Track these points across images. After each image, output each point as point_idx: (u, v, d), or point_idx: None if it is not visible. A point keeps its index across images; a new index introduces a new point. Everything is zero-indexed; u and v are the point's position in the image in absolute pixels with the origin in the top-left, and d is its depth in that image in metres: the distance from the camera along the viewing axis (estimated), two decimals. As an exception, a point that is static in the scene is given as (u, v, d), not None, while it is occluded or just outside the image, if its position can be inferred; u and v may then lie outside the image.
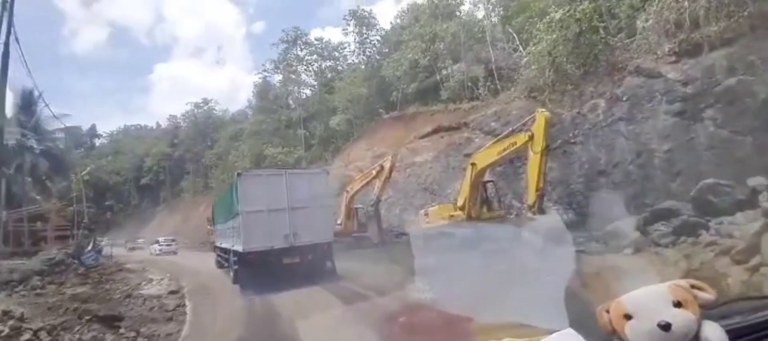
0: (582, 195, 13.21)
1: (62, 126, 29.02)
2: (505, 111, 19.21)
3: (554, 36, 16.68)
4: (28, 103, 27.93)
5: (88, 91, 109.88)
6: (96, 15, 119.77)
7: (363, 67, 32.92)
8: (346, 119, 30.33)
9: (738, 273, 5.89)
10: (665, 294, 0.91)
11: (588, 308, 1.07)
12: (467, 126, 20.69)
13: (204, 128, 52.60)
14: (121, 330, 5.58)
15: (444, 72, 23.64)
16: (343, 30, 33.50)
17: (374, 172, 15.71)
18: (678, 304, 0.89)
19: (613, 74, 15.72)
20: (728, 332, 0.90)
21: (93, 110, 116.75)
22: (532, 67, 18.46)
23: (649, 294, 0.93)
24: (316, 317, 5.74)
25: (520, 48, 21.62)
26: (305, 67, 39.84)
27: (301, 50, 39.77)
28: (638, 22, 15.62)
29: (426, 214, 13.56)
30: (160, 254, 27.82)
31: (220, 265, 13.23)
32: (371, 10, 32.69)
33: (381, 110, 28.30)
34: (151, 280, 11.50)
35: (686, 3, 13.30)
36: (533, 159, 9.76)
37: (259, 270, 9.43)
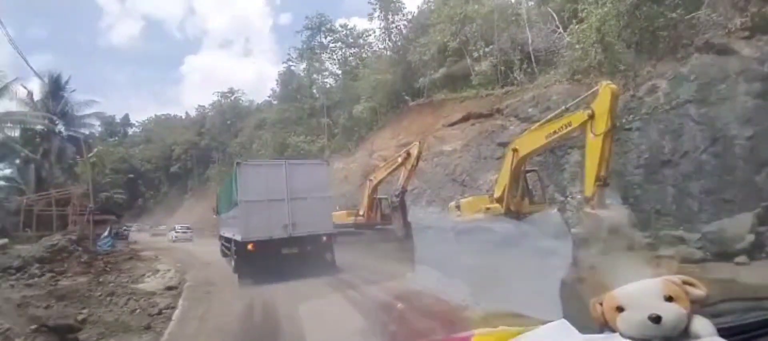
0: (640, 188, 11.22)
1: (91, 111, 28.61)
2: (543, 96, 17.20)
3: (605, 9, 14.55)
4: (56, 88, 27.69)
5: (123, 82, 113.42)
6: (131, 9, 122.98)
7: (388, 53, 31.18)
8: (370, 107, 28.81)
9: None
10: (657, 288, 0.91)
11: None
12: (501, 113, 18.79)
13: (230, 118, 52.59)
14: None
15: (475, 55, 21.66)
16: (369, 16, 31.86)
17: (399, 160, 14.12)
18: (669, 298, 0.89)
19: (675, 51, 13.53)
20: (719, 330, 0.89)
21: (127, 101, 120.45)
22: (577, 46, 16.35)
23: (641, 288, 0.93)
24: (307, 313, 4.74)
25: (560, 29, 19.45)
26: (329, 55, 38.63)
27: (325, 37, 38.61)
28: (704, -7, 13.39)
29: (457, 207, 11.90)
30: (175, 241, 28.02)
31: (223, 254, 12.68)
32: (399, -6, 30.45)
33: (406, 97, 26.57)
34: (156, 271, 10.43)
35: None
36: (594, 143, 7.93)
37: (258, 261, 9.24)
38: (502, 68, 20.49)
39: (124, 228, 37.60)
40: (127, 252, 15.20)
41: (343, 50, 38.16)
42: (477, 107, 20.29)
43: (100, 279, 8.75)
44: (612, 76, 15.24)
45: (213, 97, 72.64)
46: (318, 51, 38.47)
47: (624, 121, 12.97)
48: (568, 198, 13.02)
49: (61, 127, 27.45)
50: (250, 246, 9.28)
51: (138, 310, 6.02)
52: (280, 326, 5.45)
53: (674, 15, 14.59)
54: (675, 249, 7.09)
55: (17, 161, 27.63)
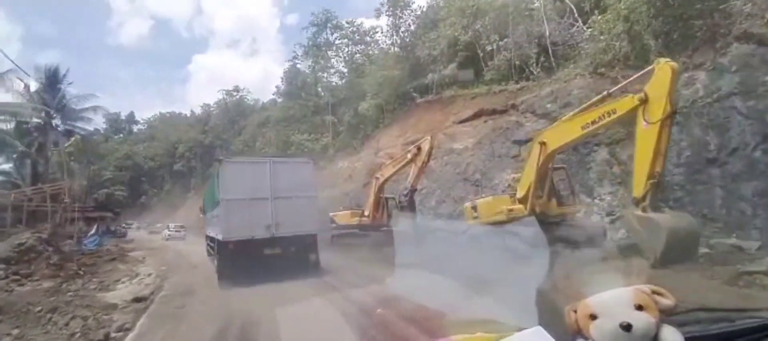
0: (683, 190, 9.86)
1: (89, 105, 27.49)
2: (563, 90, 15.89)
3: (634, -3, 13.25)
4: (53, 82, 26.59)
5: (131, 80, 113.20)
6: (140, 7, 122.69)
7: (396, 49, 29.92)
8: (376, 104, 27.55)
9: None
10: (628, 297, 0.93)
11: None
12: (516, 108, 17.48)
13: (234, 115, 51.59)
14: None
15: (488, 48, 20.34)
16: (376, 11, 30.58)
17: (409, 156, 12.84)
18: (639, 307, 0.91)
19: (713, 41, 12.19)
20: (686, 340, 0.93)
21: (134, 98, 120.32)
22: (601, 37, 15.04)
23: (613, 297, 0.94)
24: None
25: (579, 21, 18.13)
26: (335, 52, 37.39)
27: (332, 34, 37.44)
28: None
29: (473, 208, 10.60)
30: (169, 239, 27.31)
31: (209, 254, 11.97)
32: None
33: (414, 94, 25.31)
34: (135, 276, 9.27)
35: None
36: (647, 132, 6.61)
37: (240, 261, 8.85)
38: (517, 62, 19.17)
39: (124, 225, 36.63)
40: (113, 252, 14.03)
41: (350, 47, 36.97)
42: (490, 103, 19.00)
43: (63, 286, 7.55)
44: (640, 68, 13.98)
45: (218, 95, 71.91)
46: (324, 48, 37.30)
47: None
48: (596, 200, 11.68)
49: (57, 121, 26.27)
50: (231, 246, 8.90)
51: (78, 334, 4.75)
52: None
53: (710, 3, 13.26)
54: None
55: (14, 155, 26.53)
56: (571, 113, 8.74)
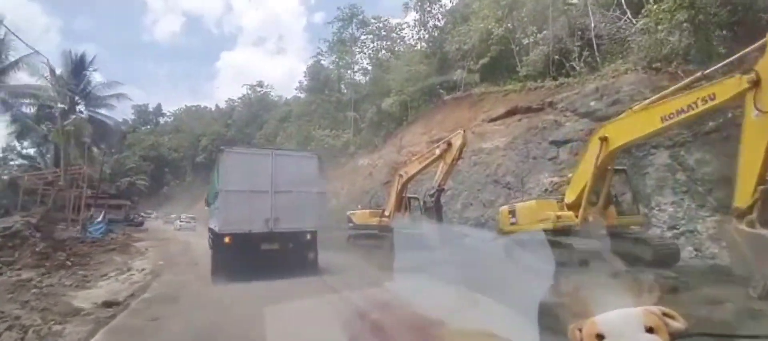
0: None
1: (113, 93, 27.22)
2: (610, 87, 14.17)
3: (702, -17, 11.50)
4: (79, 68, 26.39)
5: (163, 75, 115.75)
6: (173, 5, 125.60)
7: (423, 44, 28.57)
8: (400, 101, 26.25)
9: None
10: (638, 318, 0.87)
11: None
12: (553, 107, 15.83)
13: (256, 110, 51.30)
14: None
15: (525, 42, 18.74)
16: (404, 6, 29.29)
17: (437, 152, 11.43)
18: (650, 330, 0.85)
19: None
20: None
21: (164, 93, 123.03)
22: (659, 27, 13.26)
23: (622, 317, 0.88)
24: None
25: (629, 13, 16.32)
26: (360, 48, 36.31)
27: (358, 30, 36.34)
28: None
29: (511, 213, 9.12)
30: (180, 229, 27.35)
31: (210, 247, 11.19)
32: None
33: (441, 90, 23.90)
34: (126, 270, 8.30)
35: None
36: (759, 124, 5.03)
37: (236, 255, 8.42)
38: (556, 57, 17.46)
39: (143, 214, 36.52)
40: (118, 242, 13.23)
41: (375, 43, 35.85)
42: (524, 101, 17.40)
43: (35, 280, 6.56)
44: (704, 63, 12.21)
45: (242, 90, 72.31)
46: (348, 43, 36.26)
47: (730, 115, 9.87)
48: (654, 211, 10.00)
49: (81, 107, 26.03)
50: (227, 240, 8.52)
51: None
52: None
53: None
54: None
55: (37, 140, 26.42)
56: (645, 102, 7.12)
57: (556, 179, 12.66)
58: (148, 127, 71.46)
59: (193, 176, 59.01)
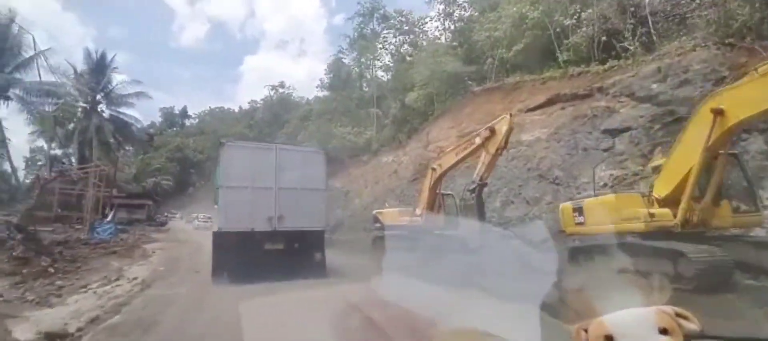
0: None
1: (133, 91, 26.62)
2: (676, 66, 12.17)
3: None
4: (100, 67, 25.89)
5: (188, 80, 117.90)
6: (199, 12, 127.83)
7: (449, 35, 26.85)
8: (426, 94, 24.60)
9: None
10: (651, 319, 0.80)
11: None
12: (604, 92, 13.92)
13: (278, 110, 50.64)
14: None
15: (566, 22, 16.77)
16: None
17: (478, 141, 9.72)
18: (663, 331, 0.79)
19: None
20: None
21: (191, 97, 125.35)
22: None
23: (633, 317, 0.82)
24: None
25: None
26: (381, 43, 34.76)
27: (379, 25, 34.87)
28: None
29: (576, 211, 7.36)
30: (197, 228, 26.92)
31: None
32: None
33: (470, 82, 22.12)
34: (113, 280, 6.97)
35: None
36: None
37: (238, 256, 7.92)
38: (603, 38, 15.45)
39: (167, 214, 36.16)
40: (124, 244, 12.19)
41: (397, 38, 34.26)
42: (567, 88, 15.50)
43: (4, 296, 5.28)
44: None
45: (264, 91, 72.13)
46: (370, 39, 34.81)
47: None
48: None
49: (102, 106, 25.49)
50: (228, 238, 8.05)
51: None
52: None
53: None
54: None
55: (61, 139, 26.02)
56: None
57: (616, 172, 10.77)
58: (175, 129, 72.14)
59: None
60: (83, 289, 6.07)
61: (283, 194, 8.60)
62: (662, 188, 6.20)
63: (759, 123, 8.93)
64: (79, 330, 4.08)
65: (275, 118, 50.37)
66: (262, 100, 57.45)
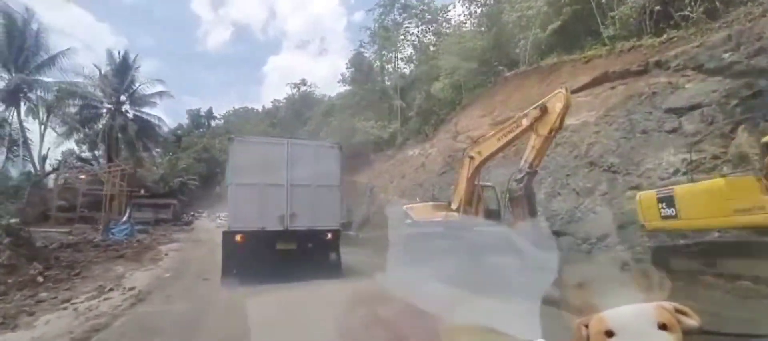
0: None
1: (155, 91, 26.32)
2: (749, 33, 10.40)
3: None
4: (123, 67, 25.65)
5: (214, 83, 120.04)
6: (223, 16, 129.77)
7: (476, 20, 25.21)
8: (452, 83, 23.12)
9: None
10: (651, 315, 0.81)
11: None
12: (663, 66, 12.21)
13: (300, 107, 50.12)
14: None
15: (612, -7, 15.00)
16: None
17: (525, 122, 8.30)
18: (663, 327, 0.79)
19: None
20: None
21: (217, 99, 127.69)
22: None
23: (634, 314, 0.82)
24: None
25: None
26: (403, 34, 33.37)
27: (400, 15, 33.45)
28: None
29: (663, 201, 5.87)
30: (219, 227, 25.42)
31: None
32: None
33: (500, 67, 20.48)
34: (103, 292, 6.02)
35: None
36: None
37: (248, 256, 7.52)
38: (657, 7, 13.59)
39: (194, 213, 36.13)
40: (139, 245, 11.44)
41: (419, 27, 32.82)
42: (616, 65, 13.80)
43: None
44: None
45: (286, 89, 72.29)
46: (391, 30, 33.47)
47: None
48: None
49: (126, 106, 25.25)
50: (238, 238, 7.68)
51: None
52: None
53: None
54: None
55: (88, 140, 25.97)
56: None
57: (691, 156, 9.10)
58: (201, 130, 73.09)
59: (241, 176, 59.14)
60: (65, 304, 5.12)
61: (295, 191, 8.18)
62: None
63: None
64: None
65: (297, 115, 49.88)
66: (284, 98, 57.35)
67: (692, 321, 0.82)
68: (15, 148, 17.92)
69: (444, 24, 31.92)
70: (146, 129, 25.82)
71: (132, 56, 25.75)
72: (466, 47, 22.05)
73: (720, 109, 9.87)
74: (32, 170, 18.78)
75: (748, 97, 9.62)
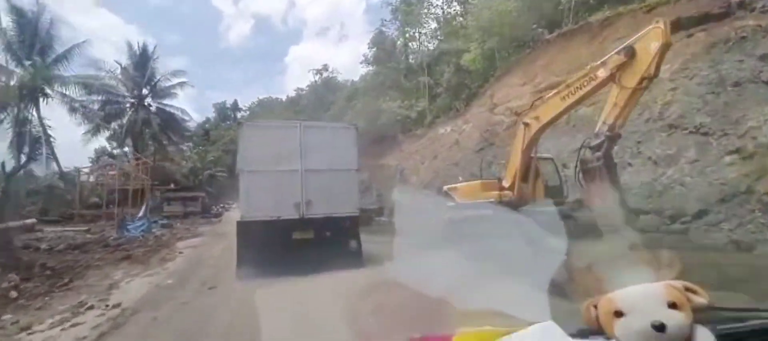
0: None
1: (177, 81, 25.61)
2: None
3: None
4: (143, 59, 25.00)
5: (238, 77, 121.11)
6: (243, 9, 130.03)
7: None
8: (484, 52, 21.04)
9: None
10: (661, 294, 0.81)
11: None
12: (748, 8, 10.11)
13: (323, 93, 49.09)
14: None
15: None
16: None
17: (603, 72, 6.51)
18: (672, 305, 0.79)
19: None
20: (717, 338, 0.81)
21: (241, 92, 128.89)
22: None
23: (643, 293, 0.82)
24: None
25: None
26: (426, 7, 31.27)
27: (424, -13, 31.27)
28: None
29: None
30: None
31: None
32: None
33: (539, 29, 18.31)
34: (83, 309, 4.88)
35: None
36: None
37: (263, 247, 6.97)
38: (741, -64, 11.17)
39: (224, 205, 35.95)
40: (154, 242, 10.56)
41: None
42: (689, 9, 11.53)
43: None
44: None
45: (309, 75, 71.56)
46: (414, 4, 31.41)
47: None
48: None
49: (149, 99, 24.66)
50: (251, 228, 7.23)
51: None
52: None
53: None
54: None
55: (109, 131, 25.59)
56: None
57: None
58: (228, 123, 73.65)
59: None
60: (20, 335, 4.00)
61: (311, 177, 7.72)
62: None
63: None
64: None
65: (321, 101, 48.86)
66: (307, 86, 56.51)
67: (702, 299, 0.82)
68: (37, 146, 17.69)
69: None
70: (170, 122, 25.23)
71: (151, 48, 25.20)
72: (498, 11, 19.87)
73: None
74: (56, 168, 18.58)
75: None
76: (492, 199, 8.58)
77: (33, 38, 17.29)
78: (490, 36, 20.61)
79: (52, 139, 17.81)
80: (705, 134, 8.67)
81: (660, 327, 0.75)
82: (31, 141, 16.98)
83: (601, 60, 6.79)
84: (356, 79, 47.05)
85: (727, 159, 7.94)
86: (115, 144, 27.85)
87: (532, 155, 8.44)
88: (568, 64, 15.20)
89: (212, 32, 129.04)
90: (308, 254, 7.32)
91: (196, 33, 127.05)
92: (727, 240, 6.98)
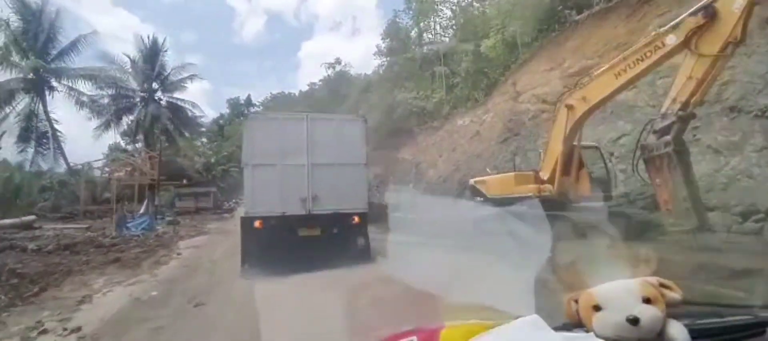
0: None
1: (187, 75, 25.01)
2: None
3: None
4: (153, 52, 24.44)
5: (252, 73, 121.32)
6: (256, 6, 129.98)
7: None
8: (505, 38, 19.75)
9: None
10: (635, 289, 0.84)
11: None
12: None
13: (337, 87, 48.26)
14: None
15: None
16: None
17: (674, 38, 5.36)
18: (647, 300, 0.82)
19: None
20: (690, 332, 0.83)
21: (257, 88, 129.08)
22: None
23: (619, 288, 0.85)
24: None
25: None
26: (441, -3, 29.97)
27: (439, -26, 29.98)
28: None
29: None
30: None
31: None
32: None
33: (566, 11, 16.94)
34: (31, 335, 4.10)
35: None
36: None
37: (268, 244, 6.84)
38: None
39: (235, 201, 35.58)
40: (149, 244, 9.91)
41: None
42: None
43: None
44: None
45: (321, 70, 70.84)
46: (429, -10, 30.16)
47: None
48: None
49: (159, 93, 24.13)
50: (256, 224, 6.94)
51: None
52: None
53: None
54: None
55: (129, 130, 25.22)
56: None
57: None
58: (241, 118, 73.64)
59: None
60: None
61: (318, 171, 7.52)
62: None
63: None
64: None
65: (334, 95, 48.07)
66: (320, 80, 55.84)
67: (675, 295, 0.85)
68: (44, 141, 17.31)
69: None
70: (180, 116, 24.69)
71: (160, 41, 24.67)
72: (521, -8, 18.56)
73: None
74: (64, 163, 18.24)
75: None
76: (529, 194, 7.52)
77: (37, 29, 16.82)
78: (511, 20, 19.32)
79: (59, 134, 17.49)
80: (779, 117, 7.41)
81: (634, 321, 0.77)
82: (38, 136, 16.60)
83: (671, 24, 5.62)
84: (369, 72, 46.14)
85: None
86: (128, 139, 27.64)
87: (575, 144, 7.33)
88: (602, 46, 13.92)
89: (226, 29, 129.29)
90: (315, 252, 7.07)
91: (210, 30, 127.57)
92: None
